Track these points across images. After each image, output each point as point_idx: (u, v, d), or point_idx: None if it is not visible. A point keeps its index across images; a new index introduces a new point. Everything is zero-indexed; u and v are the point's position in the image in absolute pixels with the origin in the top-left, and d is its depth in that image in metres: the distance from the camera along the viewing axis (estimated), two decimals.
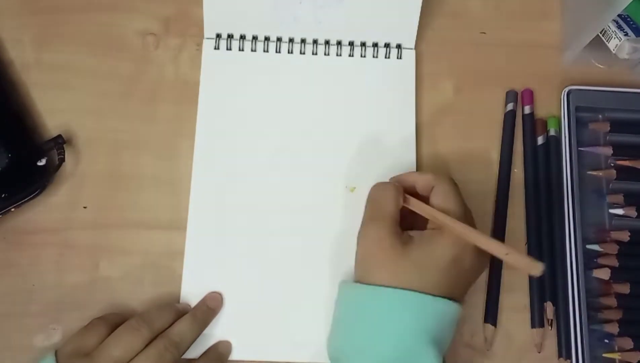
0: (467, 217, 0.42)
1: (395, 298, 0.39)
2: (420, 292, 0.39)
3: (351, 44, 0.51)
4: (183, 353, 0.42)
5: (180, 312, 0.44)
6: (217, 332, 0.45)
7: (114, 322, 0.42)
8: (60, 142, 0.47)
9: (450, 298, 0.40)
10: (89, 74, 0.50)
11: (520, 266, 0.39)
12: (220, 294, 0.45)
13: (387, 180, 0.45)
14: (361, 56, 0.51)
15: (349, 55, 0.51)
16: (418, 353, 0.38)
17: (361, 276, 0.42)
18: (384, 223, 0.41)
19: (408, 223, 0.43)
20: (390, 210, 0.42)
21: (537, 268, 0.38)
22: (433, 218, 0.42)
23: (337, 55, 0.51)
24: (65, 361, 0.40)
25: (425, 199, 0.43)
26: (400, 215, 0.42)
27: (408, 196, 0.43)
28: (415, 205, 0.43)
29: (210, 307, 0.45)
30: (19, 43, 0.51)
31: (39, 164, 0.46)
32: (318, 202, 0.48)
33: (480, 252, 0.41)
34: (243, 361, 0.45)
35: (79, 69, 0.50)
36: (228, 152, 0.48)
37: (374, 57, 0.51)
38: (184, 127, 0.49)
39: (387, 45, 0.51)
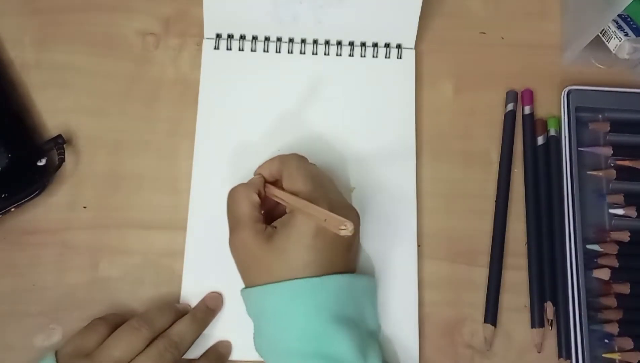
0: (323, 191, 0.41)
1: (281, 292, 0.39)
2: (299, 277, 0.39)
3: (351, 44, 0.51)
4: (183, 354, 0.42)
5: (180, 312, 0.44)
6: (217, 332, 0.45)
7: (114, 322, 0.42)
8: (60, 142, 0.47)
9: (336, 273, 0.40)
10: (89, 74, 0.50)
11: (335, 229, 0.37)
12: (220, 294, 0.45)
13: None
14: (361, 56, 0.51)
15: (349, 55, 0.51)
16: (325, 335, 0.38)
17: (246, 282, 0.42)
18: (244, 227, 0.41)
19: (280, 213, 0.43)
20: (245, 212, 0.42)
21: (345, 228, 0.36)
22: (283, 202, 0.42)
23: (337, 55, 0.51)
24: (65, 361, 0.40)
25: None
26: (278, 207, 0.43)
27: (268, 185, 0.43)
28: (271, 192, 0.43)
29: (210, 307, 0.45)
30: (19, 43, 0.51)
31: (39, 164, 0.46)
32: None
33: (345, 212, 0.41)
34: (243, 361, 0.45)
35: (79, 69, 0.50)
36: (228, 152, 0.48)
37: (374, 57, 0.51)
38: (184, 127, 0.49)
39: (387, 45, 0.51)
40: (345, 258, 0.42)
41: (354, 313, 0.40)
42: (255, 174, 0.45)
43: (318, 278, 0.39)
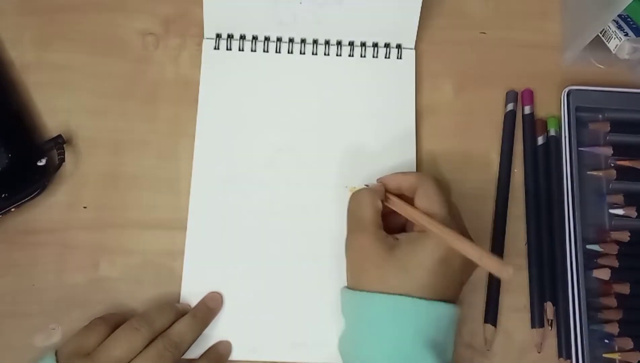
0: (451, 218, 0.41)
1: (388, 303, 0.39)
2: (412, 296, 0.38)
3: (351, 44, 0.51)
4: (183, 353, 0.42)
5: (180, 312, 0.44)
6: (217, 332, 0.45)
7: (114, 322, 0.42)
8: (60, 142, 0.47)
9: (444, 300, 0.39)
10: (89, 74, 0.50)
11: (493, 270, 0.38)
12: (220, 294, 0.45)
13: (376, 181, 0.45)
14: (361, 56, 0.51)
15: (349, 55, 0.51)
16: (416, 358, 0.38)
17: (353, 284, 0.42)
18: (365, 231, 0.41)
19: (399, 226, 0.43)
20: (369, 217, 0.42)
21: (507, 272, 0.37)
22: (414, 220, 0.42)
23: (337, 55, 0.51)
24: (65, 361, 0.40)
25: (411, 201, 0.43)
26: (388, 218, 0.43)
27: (392, 196, 0.43)
28: (397, 206, 0.43)
29: (210, 307, 0.45)
30: (19, 43, 0.51)
31: (39, 164, 0.46)
32: (318, 202, 0.48)
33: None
34: (243, 361, 0.45)
35: (79, 69, 0.50)
36: (228, 152, 0.48)
37: (374, 57, 0.51)
38: (184, 127, 0.49)
39: (387, 45, 0.51)
40: (458, 288, 0.42)
41: (443, 341, 0.40)
42: (378, 181, 0.45)
43: (427, 302, 0.39)
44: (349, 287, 0.42)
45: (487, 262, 0.38)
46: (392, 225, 0.43)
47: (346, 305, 0.42)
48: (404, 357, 0.38)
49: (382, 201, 0.43)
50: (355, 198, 0.43)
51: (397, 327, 0.39)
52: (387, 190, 0.44)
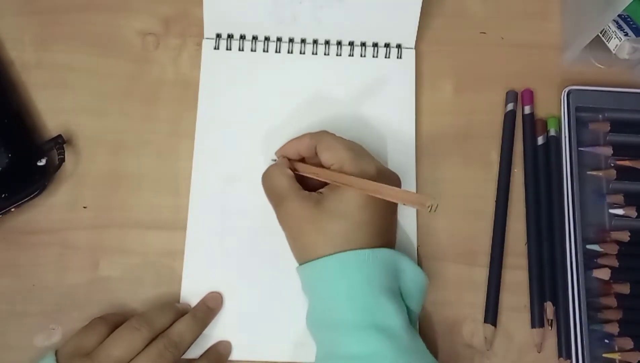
0: (360, 158, 0.42)
1: (333, 264, 0.39)
2: (354, 248, 0.39)
3: (351, 44, 0.51)
4: (183, 353, 0.42)
5: (180, 312, 0.44)
6: (217, 332, 0.45)
7: (114, 322, 0.42)
8: (60, 142, 0.47)
9: (385, 246, 0.40)
10: (89, 74, 0.50)
11: (413, 206, 0.38)
12: (220, 294, 0.45)
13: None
14: (361, 56, 0.51)
15: (349, 55, 0.51)
16: (378, 307, 0.39)
17: (299, 257, 0.42)
18: (287, 198, 0.42)
19: (318, 186, 0.44)
20: (284, 184, 0.42)
21: (427, 202, 0.36)
22: (326, 179, 0.42)
23: (337, 55, 0.51)
24: (65, 361, 0.40)
25: (318, 163, 0.43)
26: (305, 184, 0.43)
27: (296, 164, 0.44)
28: (304, 170, 0.43)
29: (210, 307, 0.45)
30: (19, 43, 0.51)
31: (39, 164, 0.46)
32: None
33: (384, 173, 0.42)
34: (243, 361, 0.45)
35: (79, 69, 0.50)
36: (228, 152, 0.48)
37: (374, 57, 0.51)
38: (184, 127, 0.49)
39: (387, 45, 0.51)
40: (392, 230, 0.43)
41: (397, 288, 0.41)
42: (276, 155, 0.45)
43: (371, 250, 0.39)
44: (299, 263, 0.42)
45: (405, 199, 0.38)
46: (311, 188, 0.43)
47: (303, 282, 0.43)
48: (367, 308, 0.39)
49: (291, 169, 0.43)
50: (266, 176, 0.44)
51: (348, 284, 0.39)
52: (290, 160, 0.44)
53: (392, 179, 0.43)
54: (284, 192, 0.42)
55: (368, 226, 0.40)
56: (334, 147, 0.42)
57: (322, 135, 0.43)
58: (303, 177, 0.44)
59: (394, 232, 0.44)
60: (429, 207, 0.36)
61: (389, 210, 0.42)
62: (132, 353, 0.40)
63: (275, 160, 0.46)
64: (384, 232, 0.41)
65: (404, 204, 0.39)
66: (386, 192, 0.38)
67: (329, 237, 0.40)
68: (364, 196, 0.40)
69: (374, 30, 0.51)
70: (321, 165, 0.43)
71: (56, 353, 0.40)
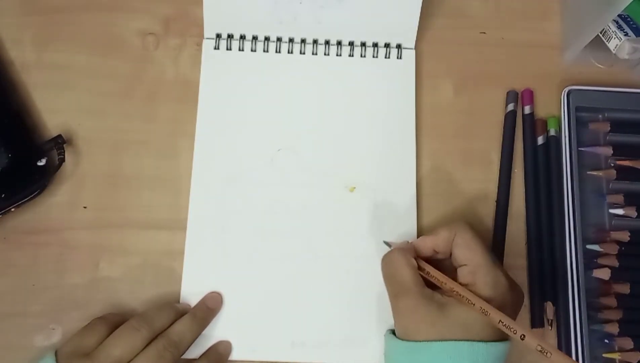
0: (493, 267, 0.40)
1: (446, 348, 0.38)
2: (469, 340, 0.38)
3: (351, 44, 0.51)
4: (183, 353, 0.42)
5: (180, 312, 0.44)
6: (217, 332, 0.45)
7: (114, 322, 0.42)
8: (60, 142, 0.47)
9: (500, 339, 0.39)
10: (89, 74, 0.50)
11: (534, 348, 0.37)
12: (220, 294, 0.45)
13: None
14: (361, 56, 0.51)
15: (349, 55, 0.51)
16: None
17: (402, 334, 0.40)
18: (410, 292, 0.40)
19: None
20: (408, 277, 0.40)
21: (545, 349, 0.36)
22: (446, 289, 0.40)
23: (337, 55, 0.51)
24: (65, 361, 0.40)
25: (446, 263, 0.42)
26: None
27: (426, 266, 0.42)
28: (431, 272, 0.41)
29: (210, 307, 0.45)
30: (19, 43, 0.51)
31: (39, 164, 0.46)
32: (317, 202, 0.48)
33: (514, 289, 0.40)
34: (243, 361, 0.45)
35: (79, 69, 0.50)
36: (228, 152, 0.48)
37: (374, 57, 0.51)
38: (184, 127, 0.49)
39: (387, 45, 0.51)
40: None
41: None
42: (406, 247, 0.43)
43: (485, 343, 0.38)
44: (399, 337, 0.40)
45: (528, 343, 0.37)
46: (429, 284, 0.42)
47: (396, 353, 0.41)
48: None
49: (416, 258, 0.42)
50: (388, 261, 0.42)
51: None
52: (419, 256, 0.42)
53: (519, 294, 0.42)
54: (406, 285, 0.40)
55: (487, 329, 0.38)
56: (472, 248, 0.40)
57: (462, 228, 0.41)
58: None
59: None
60: (540, 350, 0.36)
61: (518, 304, 0.41)
62: (132, 353, 0.40)
63: (387, 243, 0.45)
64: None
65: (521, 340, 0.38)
66: (508, 332, 0.37)
67: (444, 332, 0.38)
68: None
69: (374, 30, 0.51)
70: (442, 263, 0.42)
71: (56, 353, 0.40)
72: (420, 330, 0.39)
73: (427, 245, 0.43)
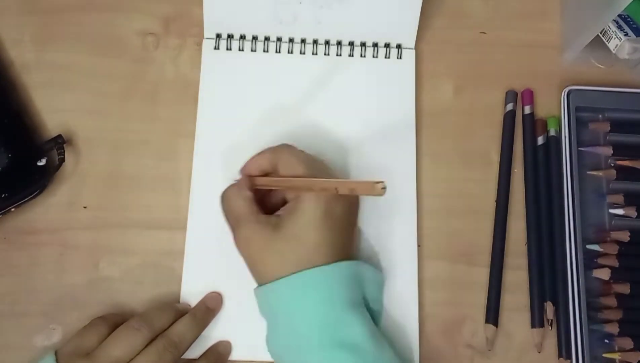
0: (319, 171, 0.42)
1: (293, 285, 0.39)
2: (312, 266, 0.39)
3: (351, 44, 0.51)
4: (183, 353, 0.42)
5: (180, 312, 0.44)
6: (217, 332, 0.45)
7: (114, 322, 0.42)
8: (60, 142, 0.47)
9: (344, 259, 0.40)
10: (89, 74, 0.50)
11: (367, 193, 0.37)
12: (220, 294, 0.45)
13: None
14: (361, 56, 0.51)
15: (349, 56, 0.51)
16: (342, 323, 0.38)
17: (258, 279, 0.42)
18: (244, 222, 0.41)
19: (280, 204, 0.44)
20: (242, 208, 0.42)
21: (379, 187, 0.34)
22: (285, 188, 0.42)
23: (337, 55, 0.51)
24: (65, 361, 0.40)
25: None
26: (268, 201, 0.43)
27: (257, 179, 0.43)
28: (265, 182, 0.43)
29: (209, 307, 0.45)
30: (19, 43, 0.51)
31: (39, 164, 0.46)
32: None
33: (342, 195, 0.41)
34: (243, 361, 0.45)
35: (79, 69, 0.50)
36: (228, 152, 0.48)
37: (374, 57, 0.51)
38: (184, 127, 0.49)
39: (387, 45, 0.51)
40: (351, 242, 0.43)
41: (361, 299, 0.41)
42: (241, 172, 0.45)
43: (329, 266, 0.39)
44: (257, 284, 0.42)
45: (358, 189, 0.37)
46: (274, 207, 0.43)
47: (261, 303, 0.42)
48: (330, 325, 0.38)
49: (252, 189, 0.43)
50: (224, 197, 0.44)
51: (312, 301, 0.39)
52: (253, 176, 0.44)
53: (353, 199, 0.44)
54: (242, 216, 0.42)
55: (326, 246, 0.40)
56: (291, 163, 0.42)
57: (281, 150, 0.43)
58: (263, 198, 0.44)
59: (354, 244, 0.44)
60: (380, 186, 0.34)
61: (348, 225, 0.42)
62: (131, 353, 0.40)
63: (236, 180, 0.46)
64: (341, 247, 0.41)
65: (357, 194, 0.39)
66: (338, 186, 0.38)
67: (288, 259, 0.40)
68: (319, 217, 0.39)
69: (374, 30, 0.51)
70: None
71: (56, 353, 0.40)
72: (264, 260, 0.40)
73: (254, 165, 0.44)
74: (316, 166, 0.43)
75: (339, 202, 0.41)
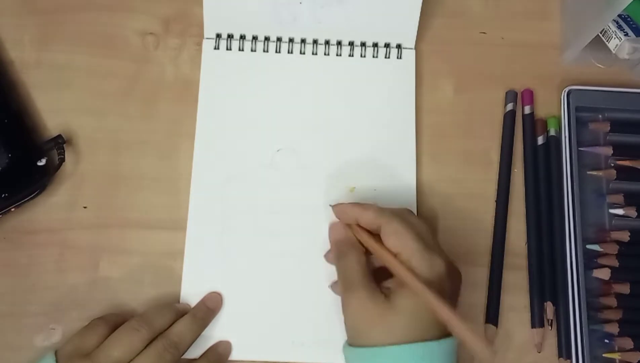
0: (426, 252, 0.39)
1: (400, 354, 0.38)
2: (422, 341, 0.38)
3: (351, 44, 0.51)
4: (183, 354, 0.42)
5: (180, 312, 0.44)
6: (217, 332, 0.45)
7: (114, 322, 0.42)
8: (60, 142, 0.47)
9: (447, 335, 0.39)
10: (89, 74, 0.50)
11: (471, 347, 0.37)
12: (220, 294, 0.45)
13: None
14: (361, 56, 0.51)
15: (349, 55, 0.51)
16: None
17: (356, 341, 0.40)
18: (358, 289, 0.40)
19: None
20: (355, 273, 0.40)
21: (487, 354, 0.36)
22: (390, 267, 0.40)
23: (337, 55, 0.51)
24: (65, 361, 0.40)
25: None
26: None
27: (362, 230, 0.42)
28: (376, 252, 0.41)
29: (209, 307, 0.45)
30: (19, 43, 0.51)
31: (39, 164, 0.46)
32: (317, 202, 0.48)
33: (452, 271, 0.40)
34: (243, 361, 0.45)
35: (79, 69, 0.50)
36: (228, 152, 0.48)
37: (374, 57, 0.51)
38: (184, 127, 0.49)
39: (387, 45, 0.51)
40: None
41: None
42: (347, 214, 0.43)
43: (436, 342, 0.38)
44: (350, 344, 0.40)
45: (469, 341, 0.37)
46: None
47: (353, 361, 0.41)
48: None
49: (366, 252, 0.42)
50: (342, 254, 0.42)
51: None
52: (360, 227, 0.42)
53: (457, 275, 0.42)
54: (355, 281, 0.40)
55: (436, 322, 0.38)
56: (401, 235, 0.39)
57: (389, 218, 0.40)
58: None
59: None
60: (489, 352, 0.36)
61: (458, 289, 0.42)
62: (131, 353, 0.40)
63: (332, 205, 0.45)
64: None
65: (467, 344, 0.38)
66: (452, 324, 0.37)
67: (395, 330, 0.38)
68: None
69: (374, 30, 0.51)
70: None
71: (56, 353, 0.40)
72: (372, 330, 0.39)
73: (352, 214, 0.42)
74: (426, 238, 0.40)
75: (449, 279, 0.40)
